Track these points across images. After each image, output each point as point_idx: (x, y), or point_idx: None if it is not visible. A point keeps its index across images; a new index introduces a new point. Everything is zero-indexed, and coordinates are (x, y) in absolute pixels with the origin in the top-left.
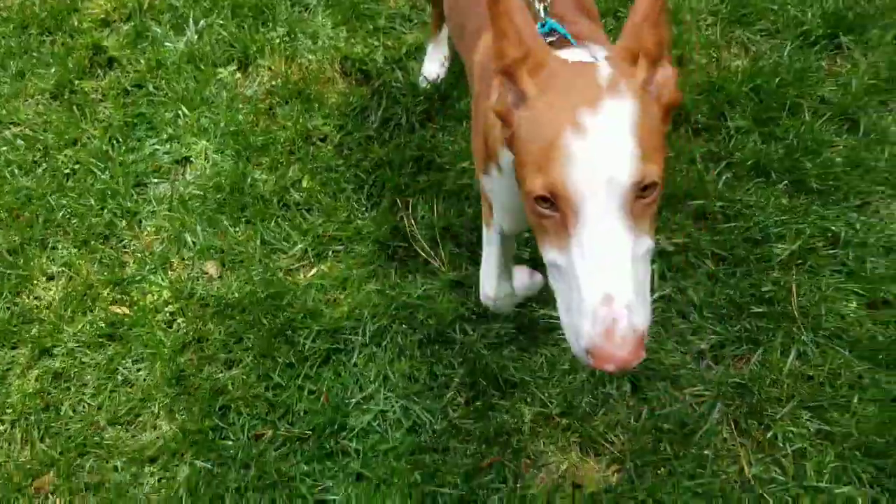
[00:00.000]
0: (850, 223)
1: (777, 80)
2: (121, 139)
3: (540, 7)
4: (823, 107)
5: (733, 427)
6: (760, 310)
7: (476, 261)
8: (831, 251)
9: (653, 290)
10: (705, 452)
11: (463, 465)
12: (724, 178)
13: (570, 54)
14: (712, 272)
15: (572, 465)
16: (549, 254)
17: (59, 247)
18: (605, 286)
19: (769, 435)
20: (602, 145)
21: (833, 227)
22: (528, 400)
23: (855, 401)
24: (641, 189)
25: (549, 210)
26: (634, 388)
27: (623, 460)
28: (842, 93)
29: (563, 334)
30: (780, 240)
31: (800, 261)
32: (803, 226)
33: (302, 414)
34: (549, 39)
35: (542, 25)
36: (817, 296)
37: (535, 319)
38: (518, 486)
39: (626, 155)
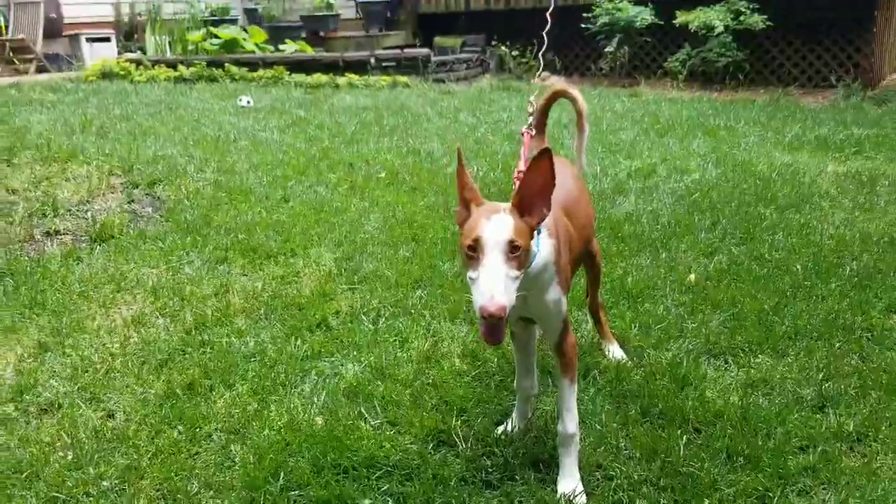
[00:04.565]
0: None
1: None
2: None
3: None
4: None
5: None
6: None
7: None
8: None
9: None
10: None
11: None
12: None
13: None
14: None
15: None
16: (470, 273)
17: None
18: (490, 285)
19: None
20: (496, 226)
21: None
22: None
23: None
24: (513, 246)
25: (472, 252)
26: None
27: None
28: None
29: None
30: None
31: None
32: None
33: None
34: None
35: None
36: None
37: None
38: None
39: (506, 231)
